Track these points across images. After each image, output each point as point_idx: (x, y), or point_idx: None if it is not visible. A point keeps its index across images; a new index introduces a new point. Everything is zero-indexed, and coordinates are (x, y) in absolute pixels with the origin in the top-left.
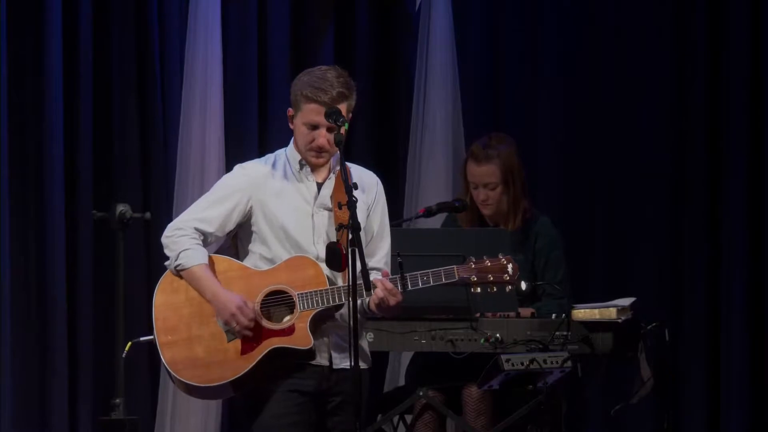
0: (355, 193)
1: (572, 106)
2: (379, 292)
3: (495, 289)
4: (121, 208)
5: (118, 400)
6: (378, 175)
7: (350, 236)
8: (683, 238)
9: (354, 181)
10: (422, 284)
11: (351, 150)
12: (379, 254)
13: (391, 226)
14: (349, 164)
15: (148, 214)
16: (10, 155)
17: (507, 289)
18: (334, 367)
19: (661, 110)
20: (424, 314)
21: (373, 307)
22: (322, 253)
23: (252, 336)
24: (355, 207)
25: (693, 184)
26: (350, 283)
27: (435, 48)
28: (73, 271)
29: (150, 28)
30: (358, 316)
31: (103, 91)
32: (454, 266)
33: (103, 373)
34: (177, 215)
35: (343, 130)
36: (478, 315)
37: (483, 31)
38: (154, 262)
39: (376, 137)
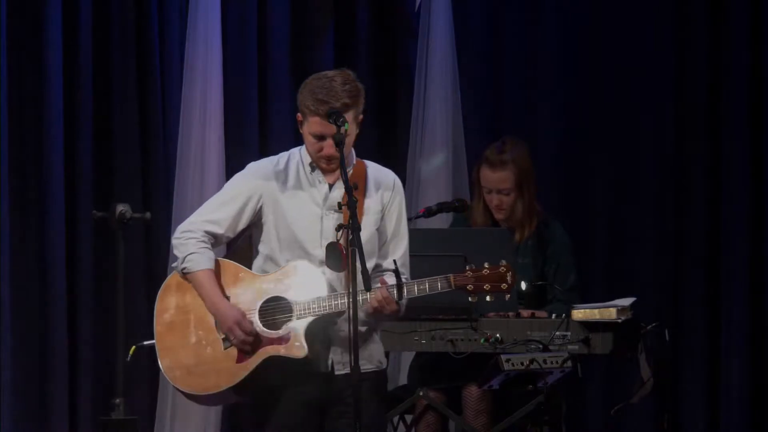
0: (368, 192)
1: (572, 106)
2: (374, 302)
3: (493, 298)
4: (121, 208)
5: (118, 400)
6: None
7: (350, 236)
8: (683, 238)
9: (353, 181)
10: (418, 293)
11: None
12: (393, 256)
13: None
14: (367, 162)
15: (148, 214)
16: (10, 155)
17: (506, 297)
18: (336, 373)
19: (662, 110)
20: (424, 314)
21: (369, 313)
22: None
23: (249, 344)
24: (356, 207)
25: (693, 184)
26: (349, 283)
27: (435, 47)
28: (73, 271)
29: (150, 27)
30: (371, 320)
31: (103, 91)
32: (451, 275)
33: (103, 373)
34: (177, 215)
35: (343, 130)
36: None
37: (483, 31)
38: (154, 262)
39: (376, 137)
